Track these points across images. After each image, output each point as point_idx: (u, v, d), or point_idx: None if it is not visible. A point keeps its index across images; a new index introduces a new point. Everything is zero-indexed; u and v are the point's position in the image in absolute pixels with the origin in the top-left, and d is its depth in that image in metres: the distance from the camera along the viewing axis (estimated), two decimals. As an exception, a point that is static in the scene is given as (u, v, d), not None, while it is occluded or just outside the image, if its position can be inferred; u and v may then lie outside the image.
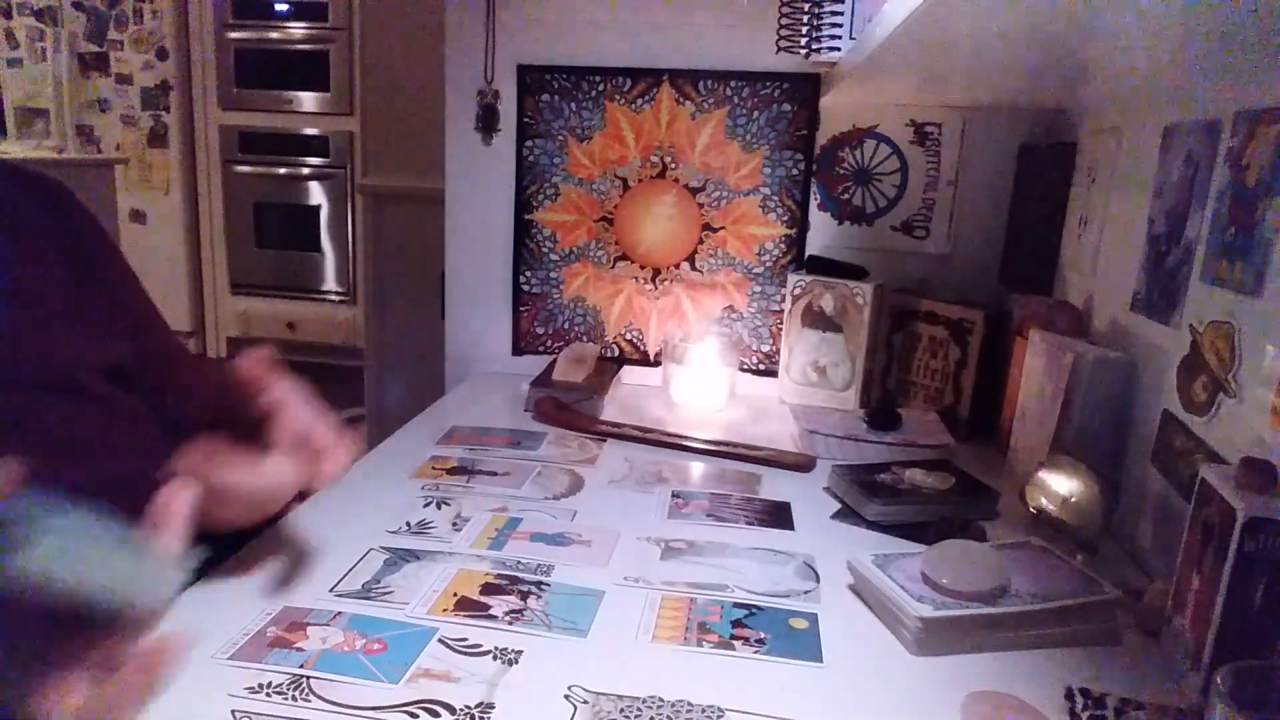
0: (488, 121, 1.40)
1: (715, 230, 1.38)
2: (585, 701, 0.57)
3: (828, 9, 1.09)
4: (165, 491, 0.51)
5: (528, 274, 1.44)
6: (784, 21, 1.19)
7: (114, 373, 0.69)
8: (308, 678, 0.58)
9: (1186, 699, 0.61)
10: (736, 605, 0.71)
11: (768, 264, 1.38)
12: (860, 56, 0.94)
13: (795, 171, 1.35)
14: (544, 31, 1.36)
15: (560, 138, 1.38)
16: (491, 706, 0.56)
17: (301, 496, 0.82)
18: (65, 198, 0.76)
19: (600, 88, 1.36)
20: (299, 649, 0.61)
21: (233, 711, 0.54)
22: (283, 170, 3.99)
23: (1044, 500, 0.87)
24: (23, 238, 0.69)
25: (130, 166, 4.03)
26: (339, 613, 0.66)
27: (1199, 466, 0.65)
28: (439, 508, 0.88)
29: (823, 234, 1.37)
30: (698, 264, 1.39)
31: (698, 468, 1.06)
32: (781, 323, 1.36)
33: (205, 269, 4.17)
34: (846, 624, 0.70)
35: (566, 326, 1.45)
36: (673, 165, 1.37)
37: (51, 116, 3.93)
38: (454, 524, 0.84)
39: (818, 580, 0.77)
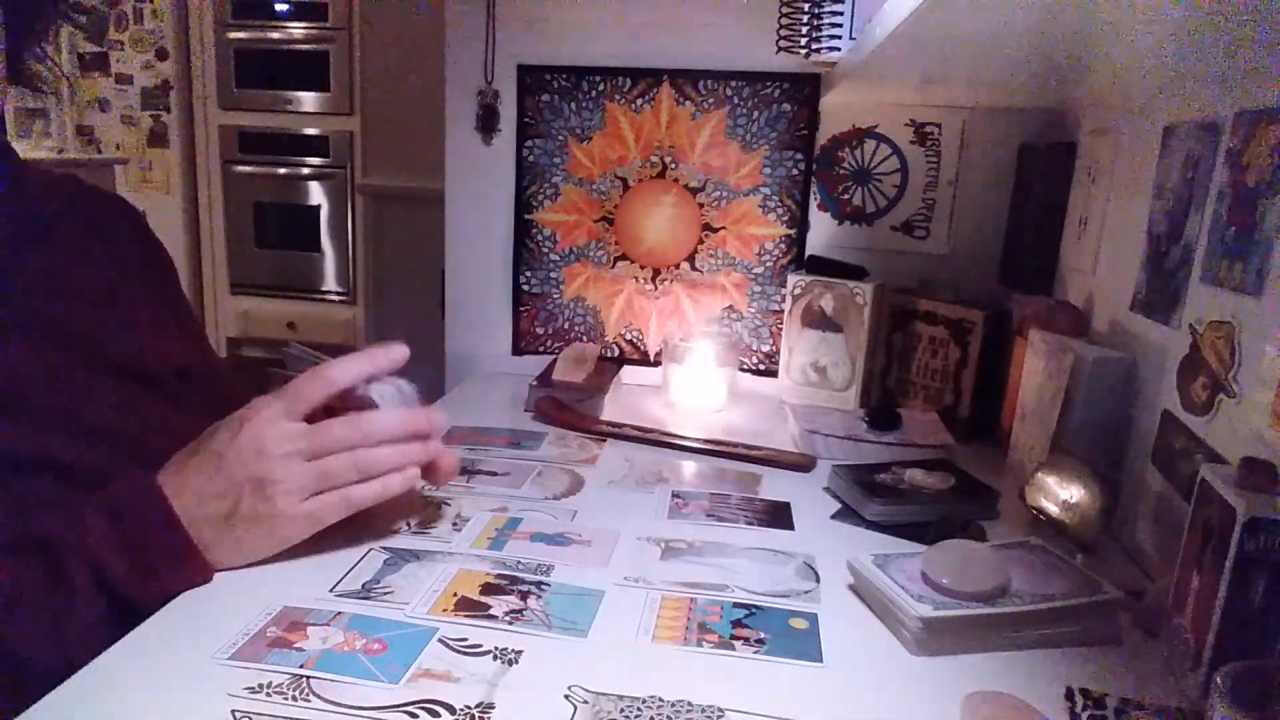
0: (488, 121, 1.40)
1: (715, 230, 1.38)
2: (585, 701, 0.57)
3: (828, 9, 1.09)
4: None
5: (528, 274, 1.44)
6: (784, 21, 1.19)
7: (180, 374, 0.79)
8: (308, 678, 0.58)
9: (1186, 699, 0.61)
10: (736, 605, 0.71)
11: (768, 264, 1.38)
12: (860, 56, 0.94)
13: (795, 171, 1.35)
14: (544, 31, 1.36)
15: (560, 138, 1.38)
16: (491, 706, 0.56)
17: None
18: (139, 218, 0.88)
19: (600, 88, 1.36)
20: (299, 649, 0.61)
21: (233, 711, 0.54)
22: (283, 170, 3.98)
23: (1044, 500, 0.87)
24: (111, 248, 0.80)
25: (130, 166, 4.03)
26: (339, 613, 0.66)
27: (1199, 466, 0.65)
28: (439, 508, 0.88)
29: (823, 234, 1.37)
30: (698, 264, 1.39)
31: (698, 468, 1.06)
32: (781, 323, 1.35)
33: (205, 269, 4.17)
34: (846, 624, 0.70)
35: (566, 326, 1.45)
36: (673, 165, 1.37)
37: (51, 116, 3.93)
38: (454, 524, 0.84)
39: (818, 580, 0.77)
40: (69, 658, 0.56)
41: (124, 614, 0.61)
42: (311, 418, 0.70)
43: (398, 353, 0.75)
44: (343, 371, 0.71)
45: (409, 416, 0.73)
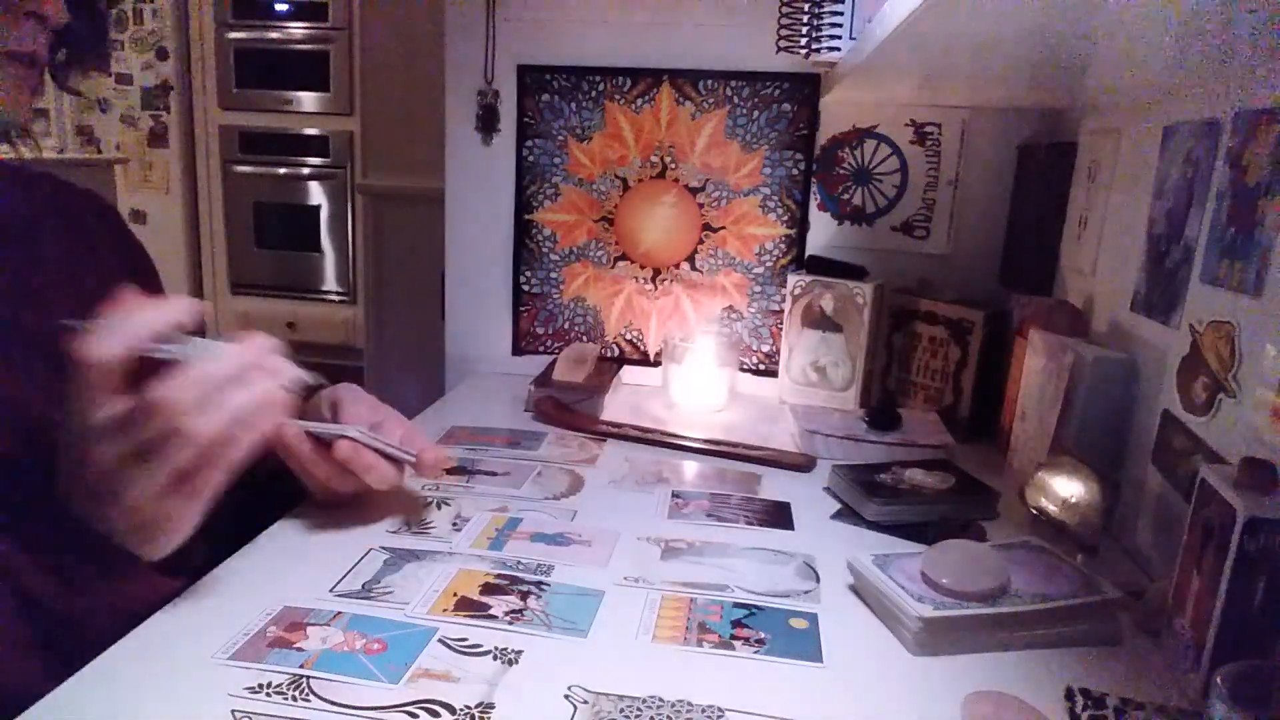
0: (488, 121, 1.40)
1: (715, 230, 1.38)
2: (585, 701, 0.57)
3: (828, 9, 1.09)
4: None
5: (528, 274, 1.44)
6: (784, 21, 1.19)
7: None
8: (308, 678, 0.58)
9: (1186, 699, 0.61)
10: (736, 605, 0.71)
11: (768, 264, 1.38)
12: (860, 56, 0.94)
13: (795, 171, 1.35)
14: (544, 31, 1.36)
15: (560, 138, 1.38)
16: (491, 706, 0.56)
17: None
18: (116, 216, 0.86)
19: (600, 88, 1.36)
20: (299, 649, 0.61)
21: (233, 711, 0.54)
22: (283, 170, 3.99)
23: (1044, 500, 0.87)
24: (88, 246, 0.79)
25: (130, 166, 4.03)
26: (339, 613, 0.66)
27: (1199, 466, 0.65)
28: (439, 508, 0.88)
29: (823, 234, 1.37)
30: (698, 264, 1.39)
31: (698, 468, 1.06)
32: (781, 323, 1.35)
33: (205, 269, 4.18)
34: (846, 624, 0.70)
35: (566, 326, 1.45)
36: (673, 165, 1.37)
37: (51, 116, 3.93)
38: (454, 524, 0.84)
39: (818, 580, 0.77)
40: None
41: (67, 632, 0.57)
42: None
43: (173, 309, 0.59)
44: (98, 345, 0.56)
45: (224, 361, 0.58)
